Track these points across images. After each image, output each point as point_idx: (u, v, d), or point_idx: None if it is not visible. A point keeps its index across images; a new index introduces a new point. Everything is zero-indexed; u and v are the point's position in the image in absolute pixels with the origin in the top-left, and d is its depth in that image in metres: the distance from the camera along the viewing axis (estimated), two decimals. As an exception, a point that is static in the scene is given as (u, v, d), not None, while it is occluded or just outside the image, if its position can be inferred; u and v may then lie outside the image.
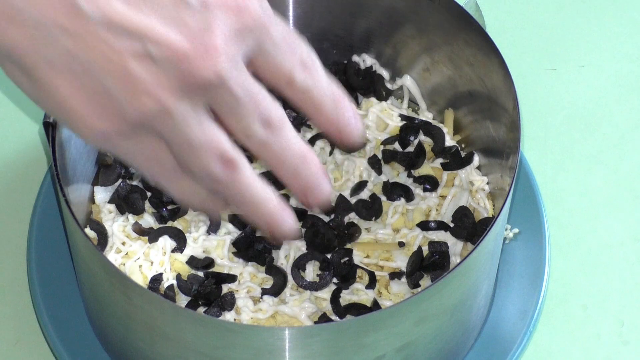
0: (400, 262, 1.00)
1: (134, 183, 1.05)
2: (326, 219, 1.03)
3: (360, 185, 1.05)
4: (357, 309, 0.97)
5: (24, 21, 0.67)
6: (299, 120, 1.08)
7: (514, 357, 1.01)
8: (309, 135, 1.08)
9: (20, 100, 1.20)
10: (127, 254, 1.00)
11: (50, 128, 0.91)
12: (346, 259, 1.00)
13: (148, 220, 1.02)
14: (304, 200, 0.77)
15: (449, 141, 1.08)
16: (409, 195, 1.04)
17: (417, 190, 1.05)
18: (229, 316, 0.96)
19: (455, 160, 1.06)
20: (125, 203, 1.03)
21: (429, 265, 0.99)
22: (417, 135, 1.08)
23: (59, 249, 1.05)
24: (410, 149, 1.07)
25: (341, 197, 1.03)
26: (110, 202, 1.03)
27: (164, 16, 0.68)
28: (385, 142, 1.07)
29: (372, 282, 0.99)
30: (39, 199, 1.08)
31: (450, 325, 0.94)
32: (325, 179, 0.76)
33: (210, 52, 0.68)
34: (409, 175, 1.06)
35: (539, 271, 1.05)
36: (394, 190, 1.04)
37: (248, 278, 0.99)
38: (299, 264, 0.99)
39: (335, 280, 0.99)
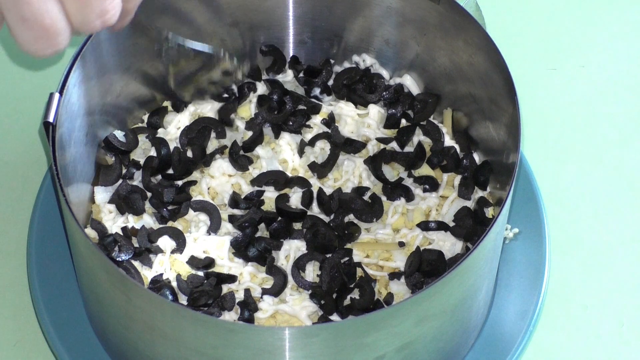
0: (400, 262, 1.00)
1: (134, 183, 1.05)
2: (326, 219, 1.03)
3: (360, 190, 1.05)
4: (357, 309, 0.97)
5: None
6: (299, 122, 1.08)
7: (514, 357, 1.01)
8: (309, 135, 1.08)
9: (20, 100, 1.20)
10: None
11: (50, 128, 0.91)
12: (346, 259, 1.00)
13: (148, 220, 1.02)
14: None
15: (448, 141, 1.08)
16: (409, 195, 1.04)
17: (417, 190, 1.05)
18: (228, 316, 0.96)
19: (453, 162, 1.06)
20: (125, 203, 1.02)
21: (426, 271, 0.99)
22: (412, 135, 1.08)
23: (59, 249, 1.05)
24: (410, 149, 1.07)
25: (341, 197, 1.03)
26: (110, 202, 1.03)
27: None
28: (382, 141, 1.07)
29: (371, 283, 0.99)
30: (39, 199, 1.08)
31: (450, 325, 0.94)
32: None
33: None
34: (409, 175, 1.06)
35: (539, 271, 1.05)
36: (394, 190, 1.04)
37: (248, 278, 0.99)
38: (299, 264, 0.99)
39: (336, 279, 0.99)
